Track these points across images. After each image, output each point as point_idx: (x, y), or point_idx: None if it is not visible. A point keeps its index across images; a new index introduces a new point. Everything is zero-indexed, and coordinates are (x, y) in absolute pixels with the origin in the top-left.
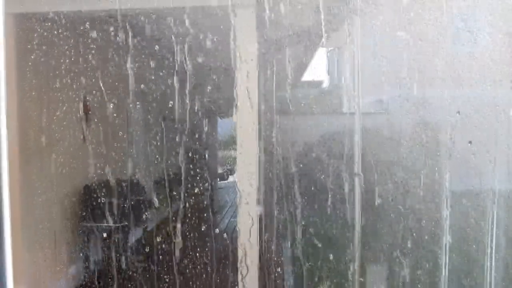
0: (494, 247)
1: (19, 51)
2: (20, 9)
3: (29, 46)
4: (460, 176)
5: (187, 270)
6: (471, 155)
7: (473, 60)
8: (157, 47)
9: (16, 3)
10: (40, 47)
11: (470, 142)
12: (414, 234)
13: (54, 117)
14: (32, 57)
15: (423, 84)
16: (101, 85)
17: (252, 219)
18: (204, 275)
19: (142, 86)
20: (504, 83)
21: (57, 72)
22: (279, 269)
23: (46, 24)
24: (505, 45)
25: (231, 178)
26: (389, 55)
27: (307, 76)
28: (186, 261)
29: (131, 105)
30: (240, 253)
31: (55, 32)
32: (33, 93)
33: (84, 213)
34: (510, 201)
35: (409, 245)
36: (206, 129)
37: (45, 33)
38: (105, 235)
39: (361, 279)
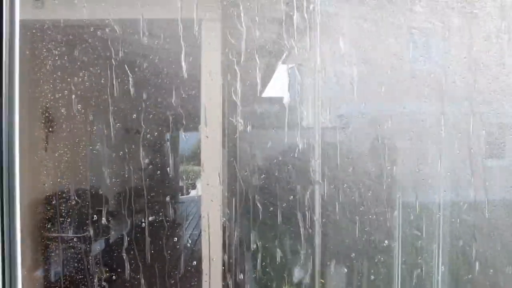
0: (441, 256)
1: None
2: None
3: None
4: (413, 188)
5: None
6: (425, 168)
7: (429, 77)
8: (121, 57)
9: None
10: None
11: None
12: (369, 239)
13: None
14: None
15: (382, 100)
16: (67, 95)
17: (215, 230)
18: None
19: (105, 97)
20: (459, 99)
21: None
22: (242, 278)
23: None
24: (461, 63)
25: (193, 192)
26: (349, 71)
27: (269, 90)
28: (149, 273)
29: (94, 117)
30: (204, 264)
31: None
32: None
33: (44, 223)
34: (457, 212)
35: (365, 251)
36: (169, 141)
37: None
38: (64, 246)
39: (322, 280)
